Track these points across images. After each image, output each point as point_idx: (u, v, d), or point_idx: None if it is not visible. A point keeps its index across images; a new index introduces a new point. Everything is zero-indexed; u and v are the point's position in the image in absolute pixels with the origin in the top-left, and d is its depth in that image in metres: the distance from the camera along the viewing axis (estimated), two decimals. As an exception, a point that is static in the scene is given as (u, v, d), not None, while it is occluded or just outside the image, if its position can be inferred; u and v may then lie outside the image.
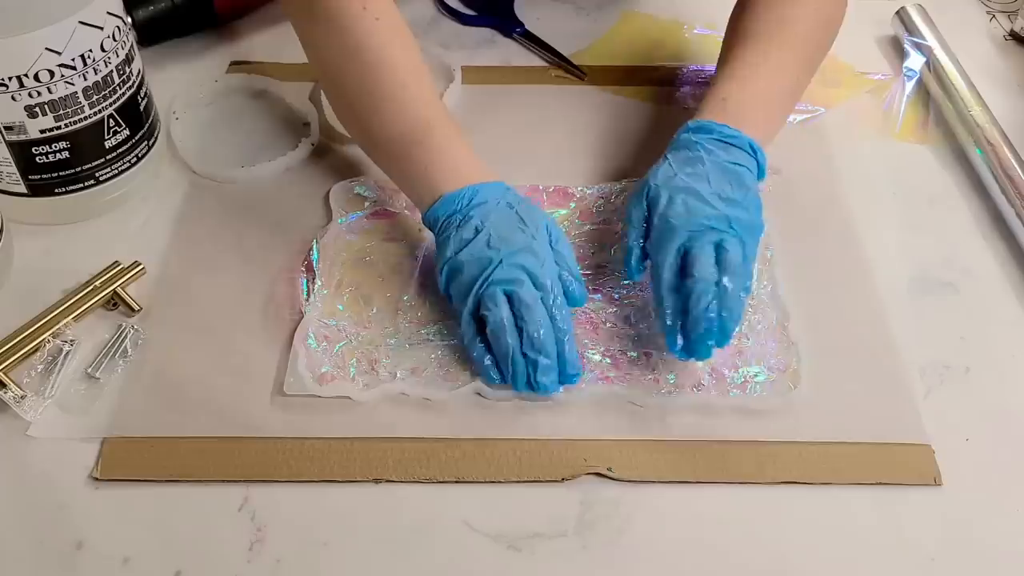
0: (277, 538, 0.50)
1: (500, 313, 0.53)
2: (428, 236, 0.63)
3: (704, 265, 0.53)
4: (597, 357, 0.57)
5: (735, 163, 0.57)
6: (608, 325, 0.59)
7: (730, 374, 0.56)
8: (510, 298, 0.53)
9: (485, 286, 0.54)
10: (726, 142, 0.58)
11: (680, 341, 0.53)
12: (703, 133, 0.59)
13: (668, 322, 0.53)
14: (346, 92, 0.62)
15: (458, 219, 0.56)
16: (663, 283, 0.54)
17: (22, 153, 0.60)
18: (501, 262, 0.54)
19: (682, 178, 0.57)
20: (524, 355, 0.53)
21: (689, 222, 0.54)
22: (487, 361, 0.54)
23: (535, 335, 0.52)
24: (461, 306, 0.55)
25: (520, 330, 0.53)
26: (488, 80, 0.78)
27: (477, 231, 0.55)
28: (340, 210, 0.66)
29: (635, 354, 0.57)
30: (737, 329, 0.53)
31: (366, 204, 0.66)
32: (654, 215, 0.56)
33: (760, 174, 0.59)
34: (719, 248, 0.54)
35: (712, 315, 0.52)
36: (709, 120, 0.59)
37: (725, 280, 0.52)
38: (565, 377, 0.54)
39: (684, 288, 0.53)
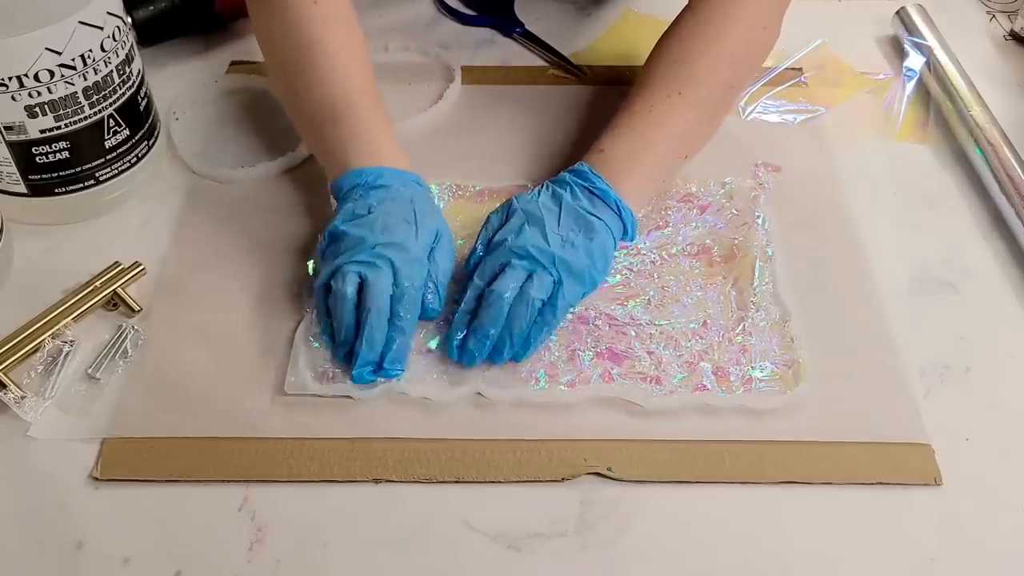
0: (277, 538, 0.50)
1: (344, 290, 0.54)
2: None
3: (505, 282, 0.55)
4: (594, 357, 0.57)
5: (593, 214, 0.58)
6: (609, 324, 0.59)
7: (735, 372, 0.56)
8: (363, 282, 0.55)
9: (346, 262, 0.55)
10: (593, 193, 0.59)
11: (458, 339, 0.56)
12: (578, 178, 0.60)
13: (456, 317, 0.56)
14: (282, 69, 0.65)
15: (358, 193, 0.58)
16: (471, 286, 0.57)
17: (22, 153, 0.60)
18: (374, 247, 0.55)
19: (538, 209, 0.58)
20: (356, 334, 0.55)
21: (518, 246, 0.56)
22: (323, 324, 0.57)
23: (367, 324, 0.54)
24: (322, 271, 0.57)
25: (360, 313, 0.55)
26: (488, 80, 0.78)
27: (369, 210, 0.57)
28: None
29: (637, 354, 0.57)
30: (533, 350, 0.56)
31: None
32: (501, 228, 0.58)
33: (627, 233, 0.60)
34: (529, 277, 0.55)
35: (490, 328, 0.54)
36: (588, 167, 0.60)
37: (510, 298, 0.55)
38: (383, 371, 0.55)
39: (484, 296, 0.56)
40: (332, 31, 0.63)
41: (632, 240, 0.61)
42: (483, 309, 0.55)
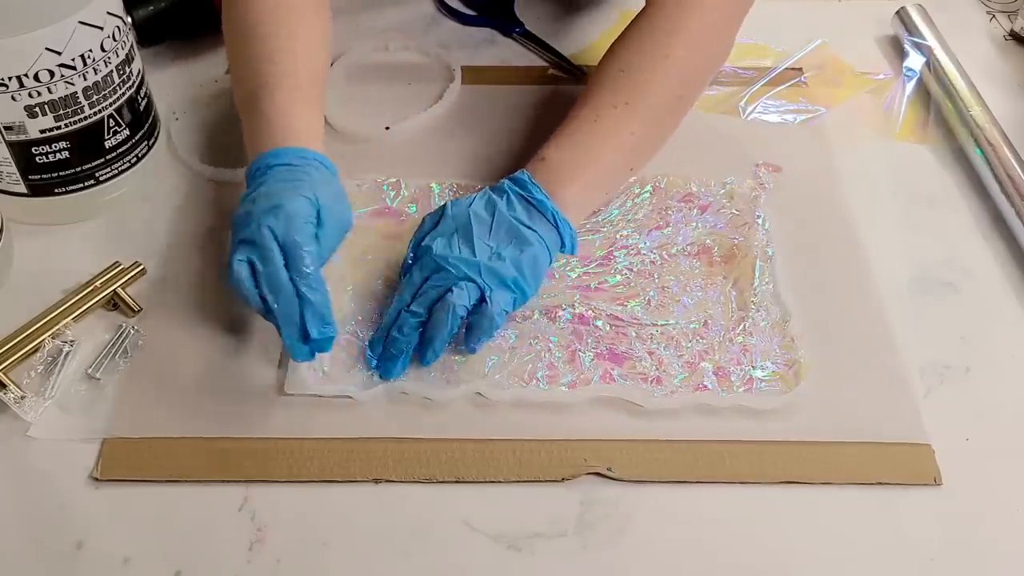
0: (277, 538, 0.50)
1: (240, 279, 0.52)
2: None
3: (423, 299, 0.55)
4: (595, 358, 0.57)
5: (528, 226, 0.56)
6: (610, 325, 0.59)
7: (736, 373, 0.56)
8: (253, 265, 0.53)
9: (233, 250, 0.53)
10: (530, 203, 0.57)
11: (372, 362, 0.56)
12: (516, 186, 0.58)
13: (378, 330, 0.57)
14: (230, 56, 0.65)
15: (257, 176, 0.56)
16: (397, 298, 0.56)
17: (22, 153, 0.60)
18: (256, 221, 0.52)
19: (471, 216, 0.56)
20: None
21: (440, 256, 0.55)
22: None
23: (274, 308, 0.52)
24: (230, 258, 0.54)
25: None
26: (488, 80, 0.78)
27: (258, 187, 0.55)
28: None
29: (637, 354, 0.57)
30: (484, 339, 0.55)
31: (367, 203, 0.66)
32: (432, 231, 0.57)
33: (565, 246, 0.58)
34: (451, 289, 0.54)
35: (401, 341, 0.55)
36: (528, 175, 0.58)
37: (420, 311, 0.55)
38: (315, 343, 0.52)
39: (401, 314, 0.55)
40: (271, 19, 0.61)
41: (572, 253, 0.59)
42: (398, 326, 0.55)
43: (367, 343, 0.57)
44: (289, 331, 0.52)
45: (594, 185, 0.60)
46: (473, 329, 0.55)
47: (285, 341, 0.52)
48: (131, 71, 0.63)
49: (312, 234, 0.53)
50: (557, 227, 0.57)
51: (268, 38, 0.61)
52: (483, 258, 0.55)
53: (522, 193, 0.58)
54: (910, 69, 0.79)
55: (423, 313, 0.55)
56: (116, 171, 0.65)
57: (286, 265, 0.52)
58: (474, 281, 0.54)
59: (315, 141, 0.59)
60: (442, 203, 0.59)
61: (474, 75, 0.79)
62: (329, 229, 0.55)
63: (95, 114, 0.61)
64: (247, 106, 0.60)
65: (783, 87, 0.78)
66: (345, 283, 0.61)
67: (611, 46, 0.64)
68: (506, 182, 0.59)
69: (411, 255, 0.58)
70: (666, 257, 0.63)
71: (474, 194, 0.59)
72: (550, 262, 0.58)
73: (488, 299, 0.54)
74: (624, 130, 0.61)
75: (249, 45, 0.62)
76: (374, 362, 0.56)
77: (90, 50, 0.58)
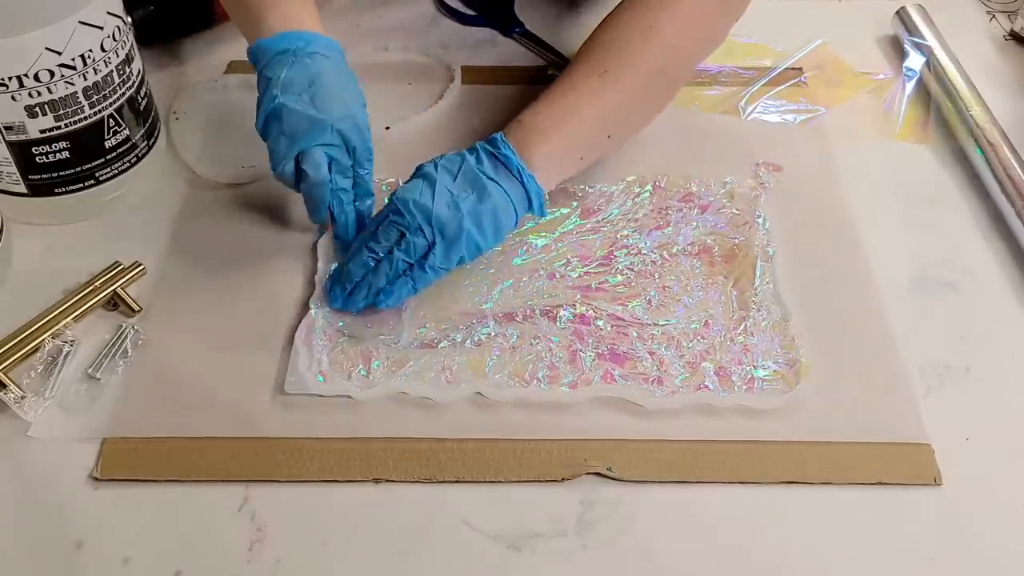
0: (277, 538, 0.50)
1: (323, 172, 0.59)
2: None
3: (377, 236, 0.58)
4: (596, 358, 0.57)
5: (492, 179, 0.58)
6: (610, 325, 0.59)
7: (737, 372, 0.56)
8: (330, 163, 0.59)
9: (310, 145, 0.58)
10: (497, 159, 0.58)
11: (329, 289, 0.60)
12: (487, 143, 0.59)
13: (340, 263, 0.60)
14: None
15: (289, 59, 0.59)
16: (362, 235, 0.60)
17: (22, 153, 0.60)
18: (330, 127, 0.58)
19: (435, 168, 0.58)
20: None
21: (401, 202, 0.57)
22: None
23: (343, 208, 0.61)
24: (283, 152, 0.59)
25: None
26: (488, 80, 0.78)
27: (310, 83, 0.59)
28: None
29: (638, 354, 0.57)
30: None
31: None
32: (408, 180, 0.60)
33: (532, 205, 0.59)
34: (402, 237, 0.57)
35: (354, 277, 0.58)
36: (501, 135, 0.59)
37: (383, 259, 0.57)
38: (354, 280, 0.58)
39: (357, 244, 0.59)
40: None
41: (540, 215, 0.60)
42: (351, 258, 0.58)
43: (328, 274, 0.61)
44: (345, 239, 0.61)
45: (566, 148, 0.61)
46: (406, 274, 0.57)
47: (340, 247, 0.61)
48: (131, 71, 0.63)
49: (370, 146, 0.61)
50: (523, 182, 0.58)
51: None
52: (439, 207, 0.56)
53: (491, 150, 0.59)
54: (910, 69, 0.79)
55: (379, 252, 0.57)
56: (116, 171, 0.65)
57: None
58: (422, 233, 0.56)
59: (321, 28, 0.62)
60: None
61: (474, 75, 0.79)
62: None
63: (95, 114, 0.61)
64: None
65: (783, 87, 0.78)
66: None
67: (601, 21, 0.65)
68: (480, 142, 0.60)
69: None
70: (667, 257, 0.63)
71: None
72: (516, 220, 0.59)
73: (430, 254, 0.56)
74: (600, 98, 0.61)
75: None
76: (332, 289, 0.59)
77: (90, 50, 0.58)
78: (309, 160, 0.58)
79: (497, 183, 0.57)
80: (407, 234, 0.56)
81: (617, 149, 0.66)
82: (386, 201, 0.59)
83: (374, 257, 0.57)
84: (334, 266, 0.61)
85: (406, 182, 0.59)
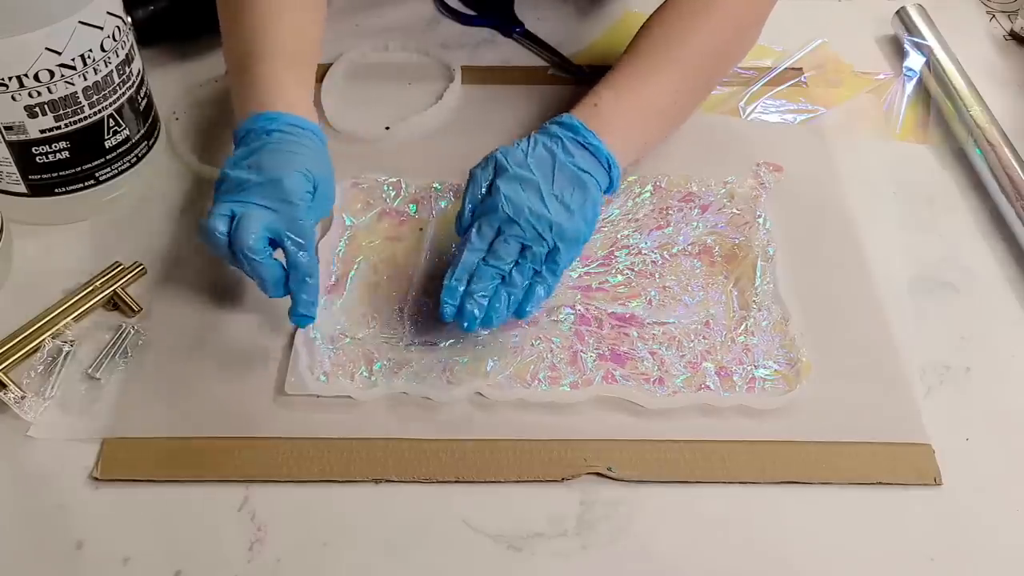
0: (277, 538, 0.50)
1: (216, 228, 0.54)
2: (431, 235, 0.64)
3: (501, 253, 0.55)
4: (597, 359, 0.57)
5: (585, 171, 0.57)
6: (611, 325, 0.59)
7: (738, 372, 0.56)
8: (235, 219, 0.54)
9: (218, 202, 0.55)
10: (585, 148, 0.58)
11: (453, 305, 0.55)
12: (568, 131, 0.59)
13: (450, 283, 0.55)
14: (223, 19, 0.65)
15: (250, 137, 0.57)
16: (469, 248, 0.55)
17: (22, 153, 0.60)
18: (248, 188, 0.54)
19: (529, 166, 0.57)
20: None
21: (514, 212, 0.55)
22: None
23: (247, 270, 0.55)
24: (211, 211, 0.55)
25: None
26: (488, 80, 0.78)
27: (252, 153, 0.56)
28: (343, 210, 0.66)
29: (639, 355, 0.57)
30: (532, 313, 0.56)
31: (369, 204, 0.66)
32: (493, 185, 0.56)
33: (611, 188, 0.60)
34: (524, 248, 0.55)
35: (483, 298, 0.54)
36: (580, 121, 0.59)
37: (513, 272, 0.55)
38: (299, 317, 0.55)
39: (479, 265, 0.55)
40: None
41: (611, 191, 0.60)
42: (478, 279, 0.54)
43: (442, 293, 0.55)
44: (275, 294, 0.55)
45: (634, 138, 0.62)
46: (533, 288, 0.55)
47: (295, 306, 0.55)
48: (131, 71, 0.63)
49: (307, 209, 0.55)
50: (609, 171, 0.59)
51: (264, 9, 0.62)
52: (554, 214, 0.55)
53: (576, 139, 0.59)
54: (910, 69, 0.79)
55: (503, 267, 0.55)
56: (116, 171, 0.65)
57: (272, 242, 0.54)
58: (544, 241, 0.55)
59: (309, 110, 0.60)
60: (491, 154, 0.58)
61: (474, 75, 0.79)
62: (320, 204, 0.57)
63: (95, 114, 0.61)
64: (239, 68, 0.61)
65: (783, 87, 0.78)
66: (343, 288, 0.61)
67: (650, 16, 0.66)
68: (555, 127, 0.59)
69: (469, 211, 0.57)
70: (667, 257, 0.63)
71: (520, 141, 0.59)
72: (601, 205, 0.59)
73: (555, 258, 0.55)
74: (668, 92, 0.63)
75: (239, 11, 0.62)
76: (449, 318, 0.55)
77: (90, 50, 0.58)
78: (211, 218, 0.54)
79: (591, 175, 0.58)
80: (530, 246, 0.55)
81: (668, 137, 0.68)
82: (468, 199, 0.57)
83: (499, 272, 0.55)
84: (447, 293, 0.55)
85: (497, 178, 0.56)
